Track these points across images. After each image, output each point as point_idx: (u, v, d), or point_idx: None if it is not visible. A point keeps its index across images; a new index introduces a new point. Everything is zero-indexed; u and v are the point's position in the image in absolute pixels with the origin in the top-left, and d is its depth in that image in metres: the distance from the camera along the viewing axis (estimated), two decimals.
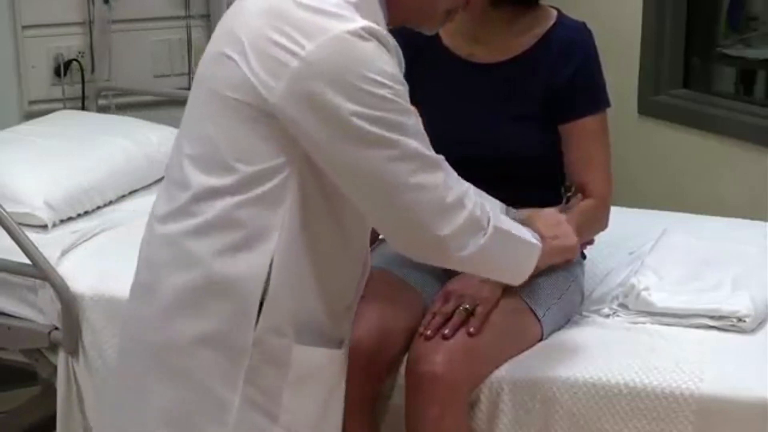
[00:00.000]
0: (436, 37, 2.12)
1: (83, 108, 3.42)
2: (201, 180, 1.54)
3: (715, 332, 2.02)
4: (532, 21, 2.08)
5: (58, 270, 2.31)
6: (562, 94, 2.04)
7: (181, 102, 3.61)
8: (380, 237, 2.17)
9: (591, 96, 2.07)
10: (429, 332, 1.89)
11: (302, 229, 1.54)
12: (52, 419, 2.41)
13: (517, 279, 1.74)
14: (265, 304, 1.53)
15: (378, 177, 1.51)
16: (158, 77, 3.58)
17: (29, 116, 3.31)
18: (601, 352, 1.94)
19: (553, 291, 2.05)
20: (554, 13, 2.10)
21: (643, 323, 2.06)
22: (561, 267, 2.08)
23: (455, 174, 1.59)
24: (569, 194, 1.99)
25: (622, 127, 3.31)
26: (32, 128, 3.00)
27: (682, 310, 2.05)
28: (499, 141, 2.06)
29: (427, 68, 2.12)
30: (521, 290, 2.00)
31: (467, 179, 2.06)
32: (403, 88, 1.53)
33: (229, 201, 1.52)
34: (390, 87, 1.49)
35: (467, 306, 1.91)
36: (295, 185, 1.52)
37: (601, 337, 2.02)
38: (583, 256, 2.20)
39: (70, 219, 2.61)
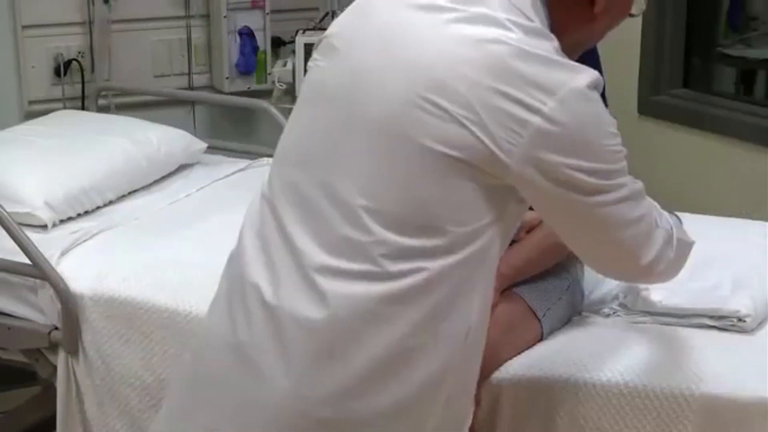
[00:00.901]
0: None
1: (83, 108, 3.42)
2: (394, 239, 1.40)
3: (715, 332, 2.02)
4: None
5: (58, 270, 2.31)
6: None
7: (181, 102, 3.66)
8: None
9: None
10: None
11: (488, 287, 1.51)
12: (52, 419, 2.40)
13: None
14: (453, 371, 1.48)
15: (602, 219, 1.49)
16: (158, 77, 3.58)
17: (29, 116, 3.31)
18: (601, 352, 1.94)
19: (554, 291, 2.05)
20: None
21: (644, 323, 2.06)
22: (561, 267, 2.08)
23: None
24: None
25: (622, 127, 3.28)
26: (32, 128, 3.00)
27: (683, 310, 2.05)
28: None
29: None
30: (521, 290, 2.00)
31: None
32: None
33: (434, 263, 1.41)
34: (618, 135, 1.50)
35: None
36: (497, 241, 1.47)
37: (601, 337, 2.02)
38: None
39: (70, 219, 2.61)
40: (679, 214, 2.67)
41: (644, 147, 3.60)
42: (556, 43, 1.45)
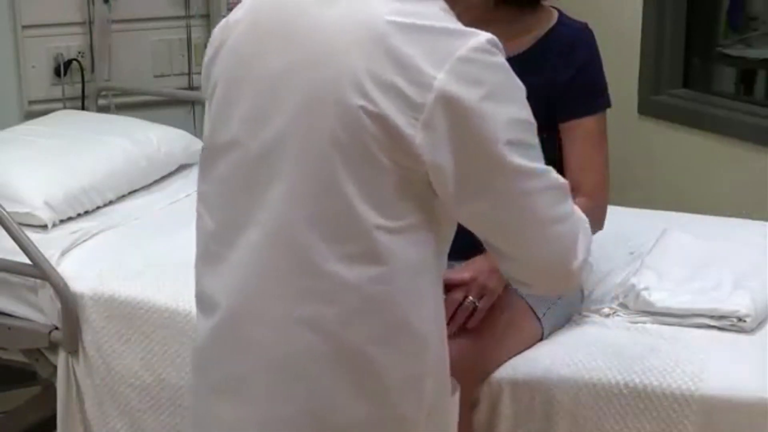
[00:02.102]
0: None
1: (83, 108, 3.42)
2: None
3: (715, 332, 2.02)
4: (534, 21, 2.08)
5: (58, 270, 2.31)
6: (562, 94, 2.04)
7: (181, 102, 3.65)
8: None
9: (591, 97, 2.07)
10: None
11: None
12: (52, 419, 2.40)
13: None
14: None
15: (526, 210, 1.39)
16: (158, 77, 3.58)
17: (29, 116, 3.31)
18: (601, 352, 1.94)
19: None
20: (555, 13, 2.10)
21: (643, 323, 2.06)
22: None
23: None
24: None
25: (623, 127, 3.31)
26: (32, 128, 3.00)
27: (683, 310, 2.05)
28: None
29: None
30: (521, 290, 2.00)
31: None
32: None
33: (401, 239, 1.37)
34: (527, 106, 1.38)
35: (473, 299, 1.89)
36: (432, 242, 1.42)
37: (601, 336, 2.02)
38: None
39: (69, 219, 2.61)
40: (679, 213, 2.69)
41: (644, 147, 3.60)
42: (442, 2, 1.38)
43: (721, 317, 2.03)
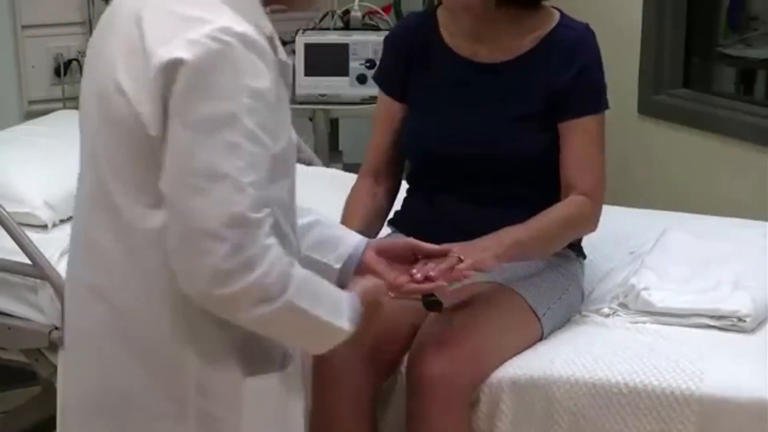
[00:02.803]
0: (438, 37, 2.12)
1: None
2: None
3: (715, 332, 2.02)
4: (535, 21, 2.08)
5: (58, 270, 2.31)
6: (562, 94, 2.04)
7: None
8: (384, 234, 2.18)
9: (591, 98, 2.07)
10: (419, 275, 1.80)
11: None
12: (52, 419, 2.40)
13: (313, 349, 1.63)
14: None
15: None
16: None
17: (29, 116, 3.30)
18: (601, 352, 1.94)
19: (553, 290, 2.05)
20: (557, 14, 2.10)
21: (644, 323, 2.06)
22: (561, 266, 2.08)
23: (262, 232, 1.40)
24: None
25: (623, 127, 3.32)
26: (32, 128, 2.99)
27: (683, 310, 2.05)
28: (500, 140, 2.06)
29: (428, 68, 2.13)
30: (521, 290, 2.00)
31: (468, 177, 2.08)
32: (269, 112, 1.39)
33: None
34: (258, 103, 1.37)
35: (459, 256, 1.85)
36: None
37: (601, 336, 2.02)
38: (583, 256, 2.20)
39: (70, 219, 2.60)
40: (679, 213, 2.69)
41: (644, 147, 3.60)
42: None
43: (721, 317, 2.03)
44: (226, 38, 1.36)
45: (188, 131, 1.36)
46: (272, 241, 1.41)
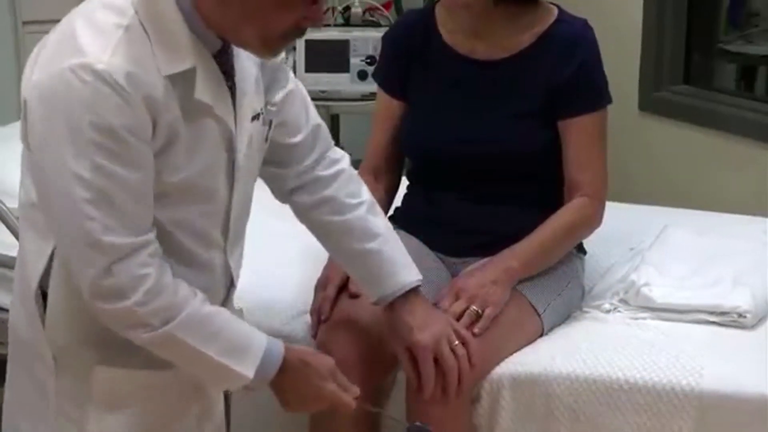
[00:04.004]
0: (437, 34, 2.12)
1: None
2: None
3: (715, 328, 2.02)
4: (533, 18, 2.08)
5: None
6: (562, 91, 2.04)
7: None
8: None
9: (591, 94, 2.07)
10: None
11: None
12: None
13: (224, 386, 1.67)
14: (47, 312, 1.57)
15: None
16: None
17: None
18: (601, 348, 1.94)
19: (554, 287, 2.05)
20: (555, 10, 2.10)
21: (644, 319, 2.06)
22: (561, 263, 2.08)
23: (149, 258, 1.47)
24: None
25: (623, 124, 3.32)
26: None
27: (683, 306, 2.05)
28: (499, 137, 2.06)
29: (427, 65, 2.12)
30: (522, 286, 2.00)
31: (468, 175, 2.08)
32: (121, 146, 1.43)
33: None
34: (105, 138, 1.41)
35: (477, 309, 1.90)
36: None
37: (601, 332, 2.01)
38: (584, 252, 2.20)
39: None
40: (679, 210, 2.69)
41: (645, 143, 3.60)
42: (126, 20, 1.45)
43: (722, 313, 2.03)
44: (82, 75, 1.41)
45: (39, 159, 1.52)
46: (149, 271, 1.46)
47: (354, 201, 1.81)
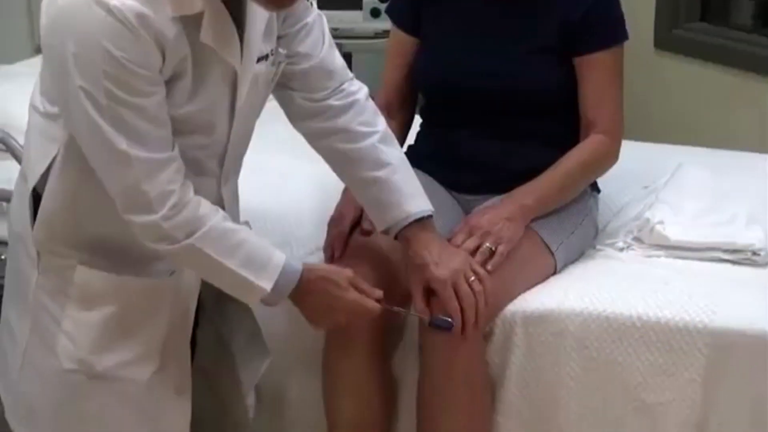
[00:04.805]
0: None
1: None
2: None
3: (728, 266, 2.02)
4: None
5: None
6: (578, 27, 2.02)
7: None
8: None
9: (607, 30, 2.05)
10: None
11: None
12: None
13: (243, 297, 1.73)
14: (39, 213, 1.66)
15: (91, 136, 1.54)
16: None
17: (40, 51, 3.29)
18: (614, 286, 1.94)
19: (567, 225, 2.05)
20: None
21: (657, 257, 2.06)
22: (575, 201, 2.08)
23: (177, 176, 1.57)
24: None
25: (639, 62, 3.28)
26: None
27: (697, 244, 2.04)
28: (514, 73, 2.04)
29: (444, 2, 2.10)
30: (535, 224, 2.00)
31: (482, 112, 2.07)
32: (129, 77, 1.49)
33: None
34: (114, 68, 1.48)
35: (490, 245, 1.90)
36: None
37: (614, 270, 2.02)
38: (598, 191, 2.20)
39: None
40: (694, 148, 2.68)
41: (660, 81, 3.58)
42: None
43: (735, 251, 2.02)
44: (97, 9, 1.45)
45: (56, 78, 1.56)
46: (175, 187, 1.56)
47: (367, 129, 1.83)
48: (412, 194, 1.84)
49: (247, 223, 1.80)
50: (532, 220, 2.00)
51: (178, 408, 1.79)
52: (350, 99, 1.83)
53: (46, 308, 1.69)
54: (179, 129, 1.58)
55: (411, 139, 2.23)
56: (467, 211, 2.07)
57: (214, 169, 1.70)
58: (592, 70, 2.03)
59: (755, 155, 2.60)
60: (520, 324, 1.91)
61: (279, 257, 1.68)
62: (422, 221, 1.83)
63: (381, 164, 1.83)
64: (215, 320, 1.89)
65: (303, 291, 1.70)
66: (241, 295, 1.71)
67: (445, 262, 1.82)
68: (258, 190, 2.09)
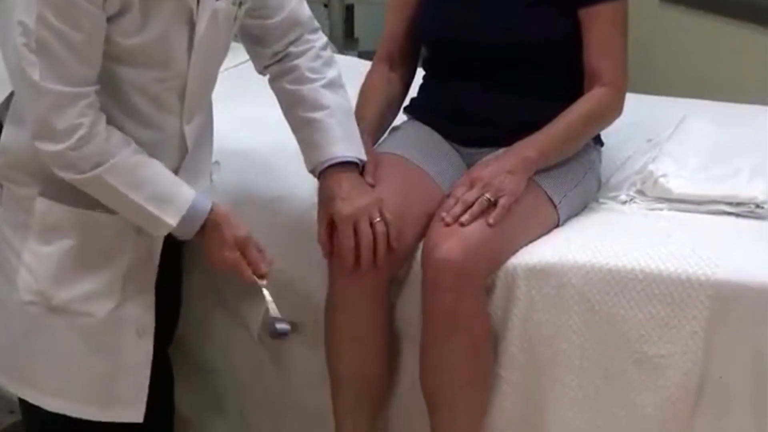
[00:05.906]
0: None
1: None
2: None
3: (732, 218, 2.01)
4: None
5: None
6: None
7: None
8: (394, 124, 2.16)
9: None
10: (449, 219, 1.88)
11: None
12: None
13: (152, 231, 1.76)
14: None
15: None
16: None
17: None
18: (617, 238, 1.93)
19: (570, 178, 2.04)
20: None
21: (660, 210, 2.05)
22: (578, 154, 2.07)
23: (88, 109, 1.62)
24: None
25: (643, 13, 3.25)
26: None
27: (700, 197, 2.04)
28: (516, 27, 2.03)
29: None
30: (538, 176, 1.99)
31: (485, 64, 2.06)
32: (69, 6, 1.55)
33: None
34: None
35: (489, 197, 1.90)
36: None
37: (617, 223, 2.01)
38: (601, 144, 2.19)
39: None
40: (699, 100, 2.66)
41: (665, 34, 3.55)
42: None
43: (739, 204, 2.02)
44: None
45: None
46: (84, 120, 1.61)
47: (314, 76, 1.90)
48: (342, 139, 1.88)
49: (217, 163, 1.85)
50: (535, 173, 1.99)
51: (141, 348, 1.82)
52: (307, 46, 1.91)
53: (7, 240, 1.74)
54: (132, 60, 1.64)
55: (414, 92, 2.22)
56: (470, 165, 2.06)
57: (175, 104, 1.74)
58: (596, 21, 2.02)
59: (760, 108, 2.58)
60: (522, 277, 1.91)
61: (187, 194, 1.72)
62: (345, 166, 1.87)
63: (319, 107, 1.88)
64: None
65: (202, 233, 1.74)
66: (150, 229, 1.75)
67: (352, 199, 1.84)
68: (261, 143, 2.10)
